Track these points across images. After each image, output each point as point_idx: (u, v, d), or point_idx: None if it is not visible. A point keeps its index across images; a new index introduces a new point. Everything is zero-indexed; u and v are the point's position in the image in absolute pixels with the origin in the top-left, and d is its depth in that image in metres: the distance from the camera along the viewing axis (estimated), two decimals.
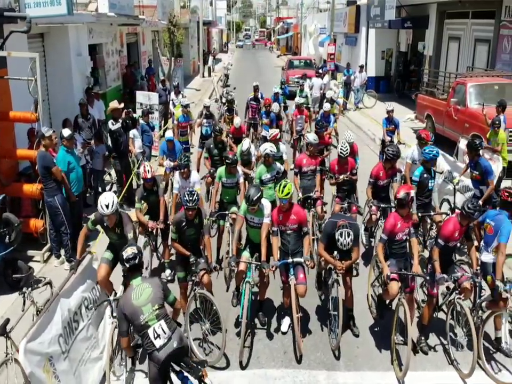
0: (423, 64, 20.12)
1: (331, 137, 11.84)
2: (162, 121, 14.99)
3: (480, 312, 5.73)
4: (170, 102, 14.75)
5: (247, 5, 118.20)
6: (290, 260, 5.81)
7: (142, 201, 6.93)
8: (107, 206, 5.33)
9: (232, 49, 63.80)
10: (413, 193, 5.49)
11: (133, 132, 10.36)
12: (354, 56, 25.40)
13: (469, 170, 8.06)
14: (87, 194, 9.88)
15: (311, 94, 17.26)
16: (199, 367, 4.48)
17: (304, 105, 15.40)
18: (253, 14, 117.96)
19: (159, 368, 4.28)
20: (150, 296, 4.29)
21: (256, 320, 6.34)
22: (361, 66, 20.65)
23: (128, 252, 4.43)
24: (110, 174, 10.36)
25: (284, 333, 6.10)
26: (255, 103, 13.35)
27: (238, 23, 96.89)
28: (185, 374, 4.53)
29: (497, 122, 9.06)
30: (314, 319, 6.43)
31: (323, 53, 30.62)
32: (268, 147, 7.57)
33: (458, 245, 5.80)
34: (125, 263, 4.43)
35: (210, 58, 33.23)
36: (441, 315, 6.06)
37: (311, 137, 7.90)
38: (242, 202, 6.11)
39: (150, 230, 6.84)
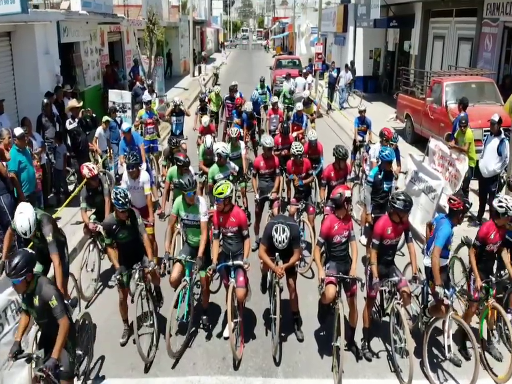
0: (409, 63, 19.90)
1: (304, 137, 11.67)
2: None
3: (424, 318, 5.54)
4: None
5: (247, 4, 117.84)
6: (230, 263, 5.67)
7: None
8: (25, 234, 5.10)
9: (228, 48, 63.39)
10: (348, 193, 5.27)
11: (99, 131, 10.20)
12: (343, 56, 25.18)
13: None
14: (51, 194, 9.75)
15: (293, 94, 17.09)
16: None
17: (286, 105, 15.36)
18: (252, 14, 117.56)
19: None
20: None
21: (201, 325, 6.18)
22: (347, 66, 20.41)
23: None
24: (74, 174, 10.20)
25: (226, 338, 5.92)
26: (230, 102, 13.22)
27: (236, 22, 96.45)
28: None
29: (463, 121, 8.86)
30: (260, 323, 6.25)
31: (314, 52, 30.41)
32: (220, 147, 7.41)
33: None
34: None
35: (203, 66, 32.89)
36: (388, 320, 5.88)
37: (263, 139, 7.73)
38: (175, 202, 5.98)
39: (92, 231, 6.68)
